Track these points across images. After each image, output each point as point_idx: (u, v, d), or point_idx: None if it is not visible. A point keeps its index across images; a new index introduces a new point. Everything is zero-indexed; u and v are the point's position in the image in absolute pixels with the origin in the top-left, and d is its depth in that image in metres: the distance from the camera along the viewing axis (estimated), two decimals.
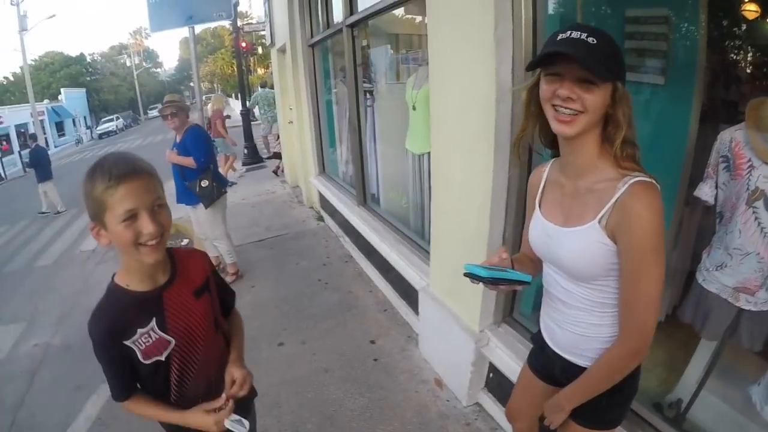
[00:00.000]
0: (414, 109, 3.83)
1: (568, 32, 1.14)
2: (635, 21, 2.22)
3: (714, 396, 2.17)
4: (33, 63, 39.36)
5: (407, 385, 3.09)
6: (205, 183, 4.32)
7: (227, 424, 1.36)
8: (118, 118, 44.52)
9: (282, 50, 7.83)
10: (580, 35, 1.12)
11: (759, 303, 1.88)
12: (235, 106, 22.03)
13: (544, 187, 1.45)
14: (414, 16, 4.38)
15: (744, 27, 2.22)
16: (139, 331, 1.31)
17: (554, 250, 1.35)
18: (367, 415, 2.86)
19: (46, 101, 38.16)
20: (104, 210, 1.17)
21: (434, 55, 2.75)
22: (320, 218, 6.63)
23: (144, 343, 1.31)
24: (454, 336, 2.84)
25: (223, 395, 1.38)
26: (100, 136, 40.51)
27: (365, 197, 5.08)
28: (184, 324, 1.39)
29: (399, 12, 4.16)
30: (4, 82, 47.16)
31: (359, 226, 4.75)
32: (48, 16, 40.03)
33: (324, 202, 6.38)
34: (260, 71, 27.34)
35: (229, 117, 10.96)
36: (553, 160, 1.45)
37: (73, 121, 42.89)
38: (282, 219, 6.94)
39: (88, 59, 55.03)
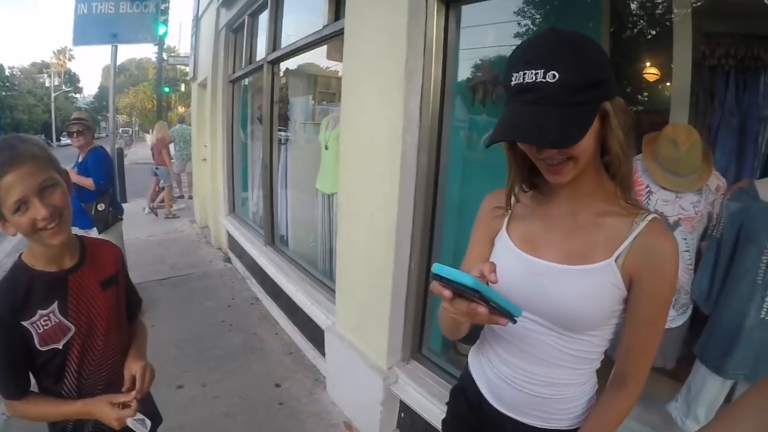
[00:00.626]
0: (326, 148, 3.84)
1: (522, 74, 0.91)
2: None
3: (636, 422, 2.18)
4: None
5: (315, 430, 2.93)
6: (101, 206, 4.05)
7: (130, 423, 1.30)
8: None
9: (203, 85, 7.70)
10: (536, 75, 0.89)
11: (668, 320, 1.92)
12: (149, 142, 21.35)
13: (513, 214, 1.18)
14: (333, 61, 4.45)
15: (640, 75, 2.42)
16: (39, 312, 1.24)
17: (545, 291, 1.06)
18: None
19: None
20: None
21: (347, 88, 2.78)
22: (227, 259, 6.39)
23: (42, 326, 1.25)
24: (361, 375, 2.75)
25: (133, 393, 1.31)
26: None
27: (273, 237, 4.96)
28: (87, 312, 1.33)
29: (319, 53, 4.19)
30: None
31: (266, 266, 4.60)
32: None
33: (232, 242, 6.17)
34: (180, 109, 26.83)
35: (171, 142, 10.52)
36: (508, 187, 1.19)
37: None
38: (188, 258, 6.63)
39: (7, 72, 51.76)
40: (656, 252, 0.99)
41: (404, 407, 2.62)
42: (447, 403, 1.44)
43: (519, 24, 2.39)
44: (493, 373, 1.22)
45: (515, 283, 1.08)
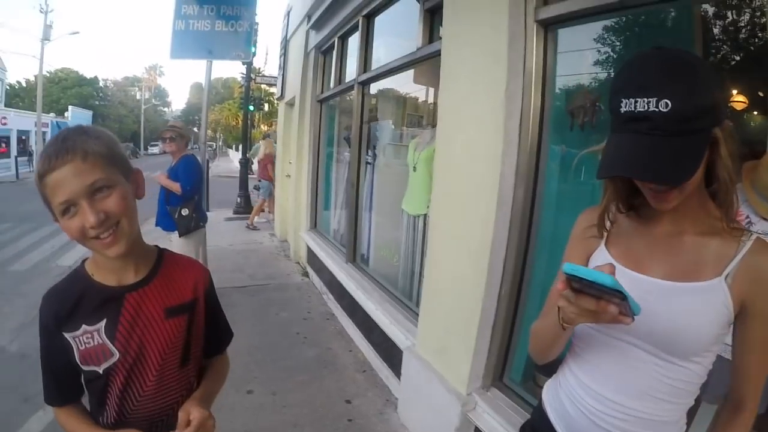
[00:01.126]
0: (414, 170, 3.87)
1: (634, 101, 0.88)
2: None
3: None
4: (48, 75, 40.00)
5: None
6: (185, 211, 4.30)
7: None
8: None
9: (290, 104, 8.04)
10: (648, 104, 0.86)
11: None
12: (234, 158, 22.38)
13: (611, 232, 1.13)
14: (419, 84, 4.51)
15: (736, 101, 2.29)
16: (84, 327, 1.09)
17: (651, 310, 0.97)
18: None
19: (52, 114, 38.65)
20: (49, 202, 1.02)
21: (444, 110, 2.80)
22: (305, 274, 6.52)
23: (84, 343, 1.10)
24: (438, 398, 2.70)
25: None
26: None
27: (355, 254, 5.02)
28: (139, 340, 1.13)
29: (406, 76, 4.26)
30: (16, 87, 47.51)
31: (346, 282, 4.65)
32: (72, 31, 41.34)
33: (312, 257, 6.30)
34: (263, 127, 28.08)
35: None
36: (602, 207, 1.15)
37: None
38: (267, 269, 6.84)
39: (101, 83, 56.44)
40: (766, 271, 0.95)
41: None
42: None
43: (615, 48, 2.32)
44: (576, 409, 1.13)
45: None
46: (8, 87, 40.56)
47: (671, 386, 1.03)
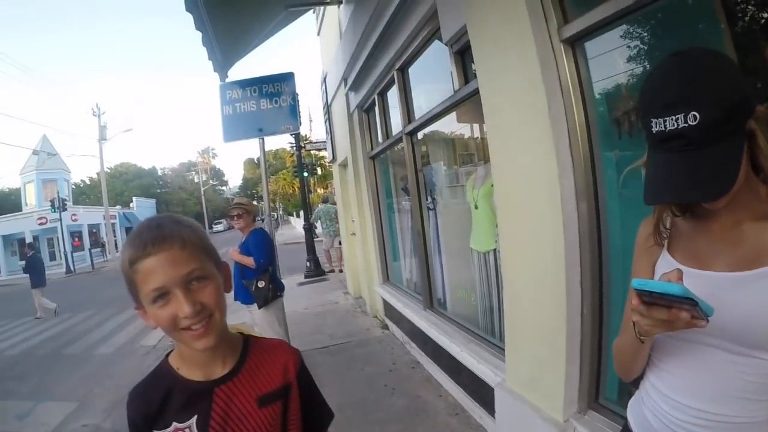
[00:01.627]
0: (476, 207, 3.92)
1: (662, 120, 0.91)
2: None
3: None
4: (109, 171, 43.29)
5: None
6: (261, 284, 4.51)
7: None
8: None
9: (343, 164, 8.36)
10: (677, 121, 0.88)
11: None
12: (296, 224, 23.11)
13: (672, 236, 1.13)
14: (463, 123, 4.61)
15: None
16: (175, 424, 1.06)
17: (722, 305, 0.95)
18: None
19: (118, 207, 41.92)
20: (136, 289, 1.00)
21: (493, 144, 2.86)
22: (384, 326, 6.57)
23: None
24: (535, 430, 2.63)
25: None
26: None
27: (432, 300, 5.05)
28: None
29: (449, 118, 4.38)
30: (81, 185, 51.49)
31: (427, 329, 4.67)
32: (125, 129, 44.80)
33: (389, 309, 6.36)
34: (320, 191, 29.06)
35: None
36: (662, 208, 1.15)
37: None
38: (345, 327, 6.93)
39: (159, 173, 60.84)
40: None
41: None
42: None
43: (644, 47, 2.33)
44: (659, 421, 1.10)
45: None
46: (74, 186, 43.92)
47: (753, 383, 0.97)
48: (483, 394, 3.44)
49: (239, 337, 1.19)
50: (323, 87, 9.07)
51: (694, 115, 0.86)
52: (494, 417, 3.22)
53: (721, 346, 0.99)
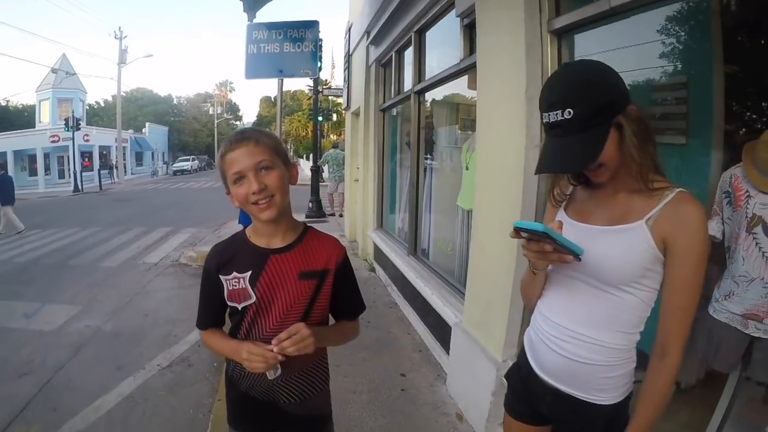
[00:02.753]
0: (467, 169, 4.23)
1: (548, 115, 1.21)
2: (658, 88, 2.57)
3: None
4: (124, 95, 42.34)
5: (428, 415, 3.26)
6: None
7: None
8: (194, 159, 47.20)
9: (356, 113, 8.61)
10: (557, 115, 1.18)
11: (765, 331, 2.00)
12: (305, 167, 23.22)
13: (571, 196, 1.46)
14: (472, 90, 4.85)
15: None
16: (234, 273, 1.44)
17: (591, 250, 1.25)
18: None
19: (130, 131, 41.45)
20: (225, 175, 1.39)
21: (481, 113, 3.20)
22: (372, 269, 7.03)
23: (233, 285, 1.44)
24: (478, 367, 3.05)
25: (274, 341, 1.35)
26: (175, 173, 42.76)
27: (416, 248, 5.45)
28: (272, 291, 1.44)
29: (461, 83, 4.63)
30: (95, 107, 50.78)
31: (407, 272, 5.08)
32: (146, 54, 44.09)
33: (378, 253, 6.79)
34: (332, 137, 28.73)
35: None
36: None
37: (152, 154, 46.46)
38: None
39: (175, 101, 59.57)
40: (683, 215, 1.19)
41: None
42: (505, 378, 1.69)
43: (625, 48, 2.56)
44: (537, 337, 1.45)
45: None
46: (88, 107, 43.64)
47: (608, 313, 1.29)
48: (444, 334, 3.86)
49: (302, 224, 1.55)
50: (347, 36, 9.20)
51: (569, 111, 1.16)
52: (449, 354, 3.66)
53: (588, 281, 1.32)
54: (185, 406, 3.37)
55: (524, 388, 1.52)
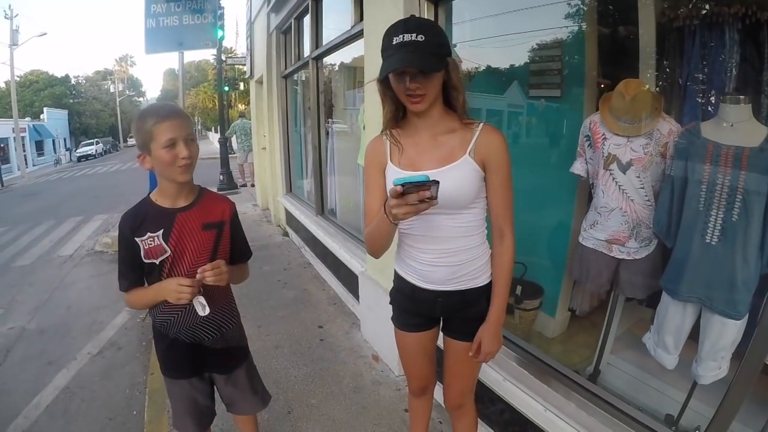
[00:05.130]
0: (364, 128, 4.42)
1: (401, 36, 1.41)
2: (534, 48, 2.85)
3: (612, 355, 2.64)
4: (18, 79, 38.25)
5: (347, 360, 3.54)
6: None
7: (194, 300, 1.64)
8: (97, 143, 43.62)
9: (260, 81, 8.52)
10: (411, 37, 1.40)
11: (631, 252, 2.32)
12: (213, 139, 22.35)
13: (391, 152, 1.65)
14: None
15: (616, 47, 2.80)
16: (148, 234, 1.66)
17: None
18: (308, 381, 3.28)
19: (28, 119, 37.83)
20: (150, 139, 1.57)
21: (367, 76, 3.44)
22: (285, 234, 7.20)
23: (148, 244, 1.66)
24: (384, 309, 3.22)
25: (199, 270, 1.62)
26: (79, 159, 39.51)
27: (323, 208, 5.68)
28: (183, 243, 1.69)
29: (360, 47, 4.83)
30: None
31: (317, 232, 5.32)
32: (39, 33, 39.87)
33: (289, 218, 6.95)
34: (240, 106, 27.66)
35: None
36: (382, 131, 1.70)
37: (53, 141, 42.37)
38: (250, 234, 7.11)
39: (73, 81, 54.30)
40: (492, 140, 1.56)
41: None
42: (390, 304, 1.94)
43: (501, 16, 2.87)
44: (420, 264, 1.69)
45: None
46: None
47: (464, 227, 1.63)
48: (353, 284, 4.13)
49: (198, 186, 1.82)
50: (249, 4, 9.05)
51: (422, 36, 1.41)
52: (359, 302, 3.95)
53: (441, 212, 1.57)
54: (121, 387, 3.44)
55: (413, 303, 1.79)
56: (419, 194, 1.29)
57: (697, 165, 2.02)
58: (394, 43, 1.43)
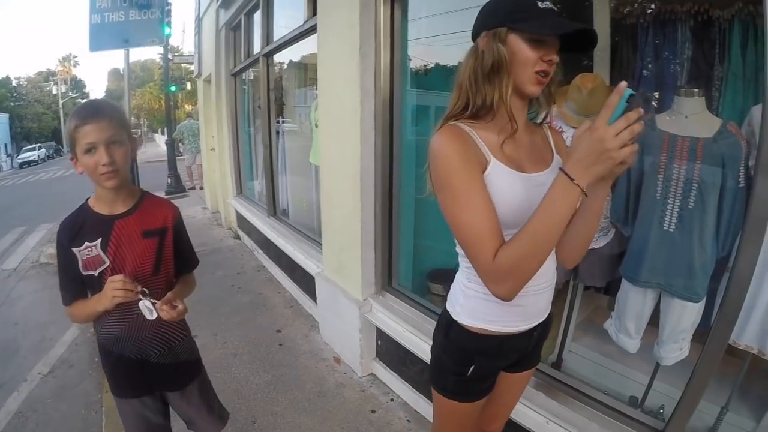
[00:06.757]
0: (316, 126, 4.36)
1: (546, 2, 1.13)
2: None
3: (574, 343, 2.69)
4: None
5: (308, 363, 3.45)
6: None
7: (140, 304, 1.53)
8: (40, 148, 41.33)
9: (208, 80, 8.28)
10: (553, 6, 1.12)
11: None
12: (161, 142, 21.64)
13: (491, 148, 1.20)
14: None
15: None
16: (86, 243, 1.52)
17: (538, 199, 1.10)
18: (270, 388, 3.18)
19: None
20: (75, 144, 1.46)
21: (321, 71, 3.35)
22: (237, 237, 7.00)
23: (86, 254, 1.53)
24: (342, 309, 3.30)
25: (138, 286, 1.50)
26: (21, 165, 37.38)
27: (275, 209, 5.56)
28: (122, 252, 1.55)
29: (312, 44, 4.75)
30: None
31: (269, 234, 5.20)
32: None
33: (241, 220, 6.78)
34: (188, 107, 26.82)
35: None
36: (459, 123, 1.22)
37: None
38: (201, 238, 7.18)
39: (14, 83, 51.87)
40: (559, 139, 1.41)
41: (381, 335, 3.12)
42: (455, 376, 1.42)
43: (455, 10, 2.85)
44: (521, 300, 1.21)
45: (533, 201, 1.09)
46: None
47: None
48: (310, 285, 4.05)
49: (139, 189, 1.69)
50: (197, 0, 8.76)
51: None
52: (317, 304, 3.86)
53: None
54: (76, 407, 3.23)
55: (496, 359, 1.42)
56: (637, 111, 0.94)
57: (653, 156, 2.06)
58: (540, 6, 1.12)
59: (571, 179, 1.00)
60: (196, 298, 4.63)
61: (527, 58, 1.14)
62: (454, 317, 1.38)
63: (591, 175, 0.99)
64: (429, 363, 1.54)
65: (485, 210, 1.13)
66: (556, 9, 1.13)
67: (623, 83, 0.95)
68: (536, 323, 1.37)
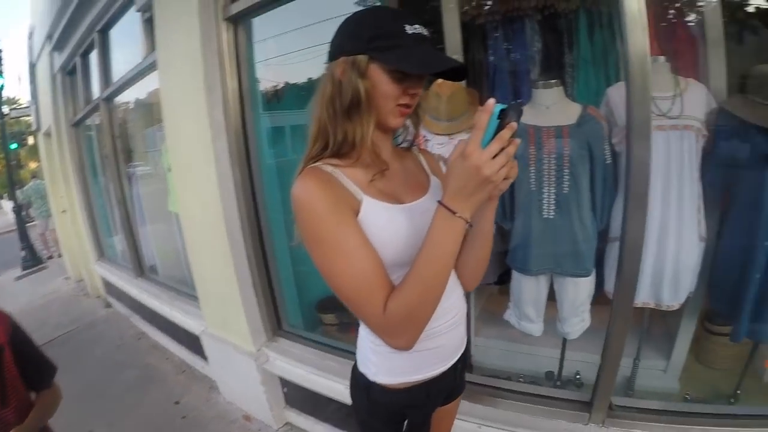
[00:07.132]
0: (170, 170, 3.99)
1: (416, 27, 1.02)
2: None
3: (482, 338, 2.76)
4: None
5: (219, 429, 3.16)
6: None
7: None
8: None
9: (48, 134, 7.40)
10: (424, 32, 1.03)
11: None
12: (7, 209, 19.19)
13: (361, 186, 1.08)
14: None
15: None
16: None
17: (422, 228, 1.02)
18: None
19: None
20: None
21: (165, 111, 3.03)
22: (108, 305, 6.31)
23: None
24: (238, 364, 3.01)
25: None
26: None
27: (142, 268, 5.06)
28: None
29: (155, 80, 4.36)
30: None
31: (141, 297, 4.71)
32: None
33: (108, 286, 6.13)
34: (32, 165, 24.17)
35: None
36: (320, 164, 1.08)
37: None
38: (70, 314, 6.44)
39: None
40: (431, 156, 1.36)
41: (285, 382, 2.90)
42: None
43: (300, 27, 2.73)
44: (438, 338, 1.21)
45: (420, 230, 1.02)
46: None
47: None
48: (196, 344, 3.68)
49: None
50: (29, 43, 7.70)
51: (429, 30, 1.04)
52: (208, 362, 3.52)
53: None
54: None
55: (424, 407, 1.31)
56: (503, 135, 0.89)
57: (521, 149, 2.10)
58: (408, 32, 1.01)
59: (453, 212, 0.93)
60: (81, 387, 4.13)
61: (389, 92, 1.05)
62: (372, 379, 1.26)
63: (473, 204, 0.93)
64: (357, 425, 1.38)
65: (363, 257, 1.00)
66: (425, 33, 1.03)
67: (491, 100, 0.88)
68: (457, 358, 1.30)
